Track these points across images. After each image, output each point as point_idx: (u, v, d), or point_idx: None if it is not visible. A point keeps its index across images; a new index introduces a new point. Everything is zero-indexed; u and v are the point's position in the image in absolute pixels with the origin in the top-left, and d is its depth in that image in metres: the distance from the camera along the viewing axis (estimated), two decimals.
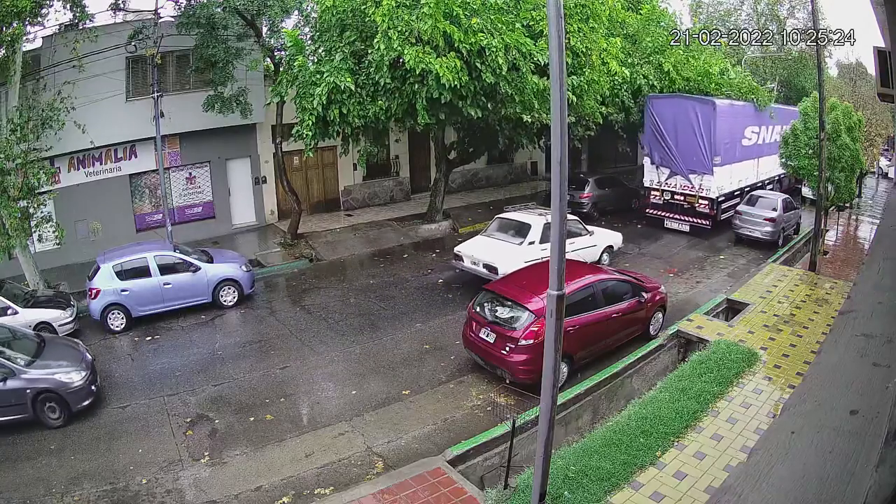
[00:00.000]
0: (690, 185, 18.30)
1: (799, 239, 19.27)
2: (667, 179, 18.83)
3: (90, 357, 10.04)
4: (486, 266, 13.25)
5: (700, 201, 18.10)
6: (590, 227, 15.18)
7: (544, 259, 12.62)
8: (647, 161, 19.53)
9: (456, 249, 14.24)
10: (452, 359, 11.05)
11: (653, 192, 19.24)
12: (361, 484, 7.53)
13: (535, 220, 13.91)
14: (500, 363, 9.73)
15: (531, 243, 13.40)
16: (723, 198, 18.51)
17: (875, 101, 23.32)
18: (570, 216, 13.77)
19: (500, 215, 15.05)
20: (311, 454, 8.42)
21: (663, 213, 18.98)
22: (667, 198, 18.83)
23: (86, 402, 9.40)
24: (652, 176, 19.26)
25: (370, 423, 9.15)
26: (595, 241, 14.85)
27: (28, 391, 9.00)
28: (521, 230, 13.79)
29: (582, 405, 9.64)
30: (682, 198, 18.50)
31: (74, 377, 9.31)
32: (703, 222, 18.21)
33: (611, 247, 15.44)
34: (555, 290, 5.38)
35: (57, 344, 10.45)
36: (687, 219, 18.51)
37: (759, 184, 20.94)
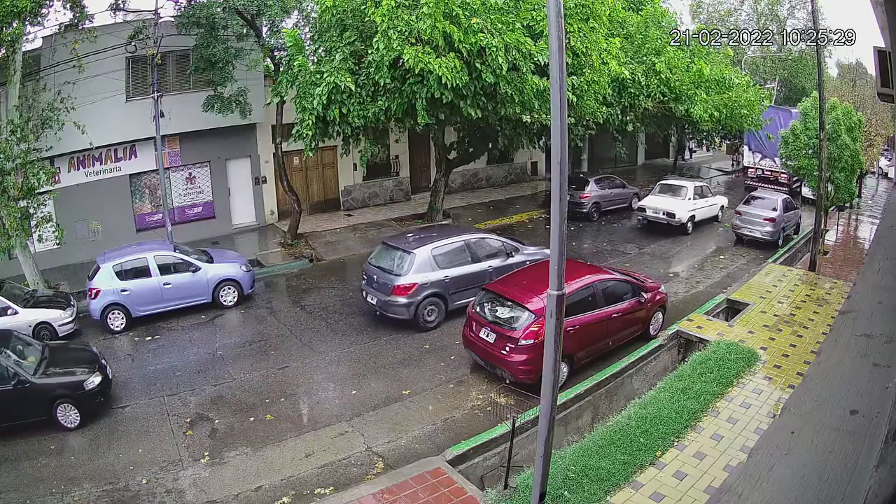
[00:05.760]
0: (775, 165, 24.76)
1: (799, 239, 19.30)
2: (759, 161, 26.76)
3: None
4: (665, 213, 19.11)
5: (781, 176, 25.02)
6: (713, 191, 21.44)
7: (700, 207, 19.85)
8: (745, 149, 27.96)
9: (638, 205, 20.37)
10: (452, 359, 11.05)
11: (749, 170, 27.32)
12: (361, 484, 7.53)
13: (688, 182, 20.47)
14: (500, 363, 9.72)
15: (689, 199, 19.34)
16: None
17: (875, 101, 23.38)
18: (702, 182, 22.15)
19: (661, 181, 21.06)
20: (311, 454, 8.42)
21: (756, 184, 25.31)
22: (759, 173, 26.48)
23: None
24: (749, 158, 27.58)
25: (370, 423, 9.15)
26: (716, 202, 20.90)
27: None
28: (680, 190, 19.66)
29: (582, 405, 9.64)
30: (769, 173, 26.05)
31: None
32: (783, 189, 23.54)
33: (723, 206, 21.11)
34: (555, 290, 5.38)
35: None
36: (772, 188, 23.87)
37: None
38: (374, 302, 12.25)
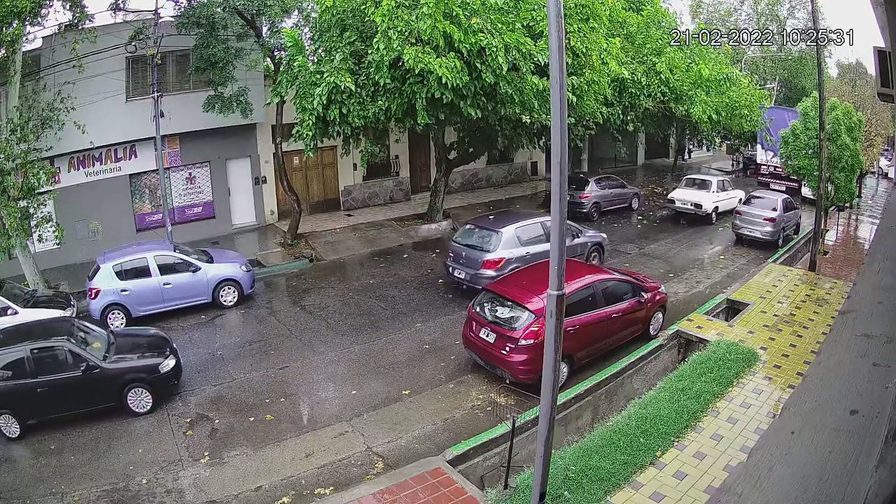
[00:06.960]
0: None
1: (799, 239, 19.30)
2: (771, 159, 26.92)
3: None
4: (693, 204, 20.87)
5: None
6: (732, 186, 22.93)
7: (722, 200, 21.36)
8: (759, 147, 28.65)
9: (669, 196, 22.02)
10: (452, 359, 11.04)
11: (762, 167, 28.06)
12: (361, 484, 7.53)
13: (712, 178, 22.46)
14: (500, 363, 9.72)
15: (713, 191, 21.25)
16: None
17: (875, 101, 23.43)
18: (723, 177, 24.03)
19: (687, 176, 23.21)
20: (311, 454, 8.42)
21: (768, 180, 26.76)
22: (771, 170, 27.16)
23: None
24: (762, 157, 28.48)
25: (370, 423, 9.15)
26: (735, 195, 22.16)
27: (589, 244, 15.18)
28: (705, 184, 21.73)
29: (582, 405, 9.64)
30: (780, 170, 25.17)
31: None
32: (794, 185, 24.79)
33: (740, 199, 21.65)
34: (555, 290, 5.38)
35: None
36: (783, 183, 25.27)
37: None
38: (462, 276, 13.62)
